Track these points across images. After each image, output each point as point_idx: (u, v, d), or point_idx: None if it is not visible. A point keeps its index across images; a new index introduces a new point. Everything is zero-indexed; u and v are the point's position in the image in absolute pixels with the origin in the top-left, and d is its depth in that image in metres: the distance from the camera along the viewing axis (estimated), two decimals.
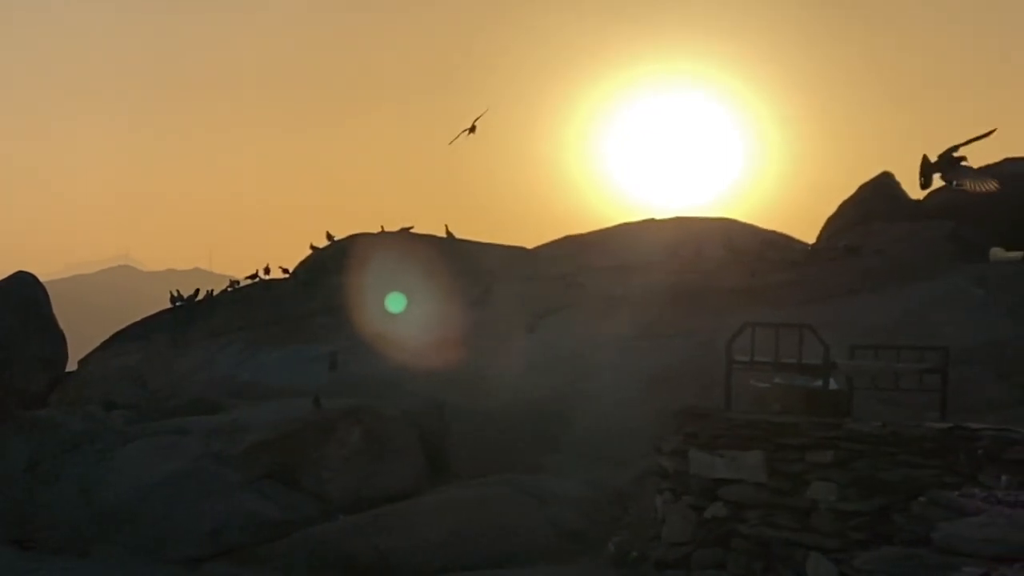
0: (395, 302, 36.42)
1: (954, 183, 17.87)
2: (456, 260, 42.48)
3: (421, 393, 29.93)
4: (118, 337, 43.46)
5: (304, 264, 46.23)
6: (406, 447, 27.42)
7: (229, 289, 45.09)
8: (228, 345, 38.11)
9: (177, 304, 44.13)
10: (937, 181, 18.17)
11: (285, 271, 45.64)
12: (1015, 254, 31.77)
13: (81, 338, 46.33)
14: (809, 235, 43.02)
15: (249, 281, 45.10)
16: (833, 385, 19.14)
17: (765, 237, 42.86)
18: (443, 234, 46.03)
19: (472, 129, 30.37)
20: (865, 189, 41.28)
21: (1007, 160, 38.12)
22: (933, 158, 17.75)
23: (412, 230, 46.21)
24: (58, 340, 41.17)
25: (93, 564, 23.61)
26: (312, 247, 46.75)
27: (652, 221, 47.47)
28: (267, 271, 45.22)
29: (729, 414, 19.05)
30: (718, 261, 36.85)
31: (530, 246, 48.02)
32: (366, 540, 22.94)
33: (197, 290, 45.17)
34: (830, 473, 17.23)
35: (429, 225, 58.91)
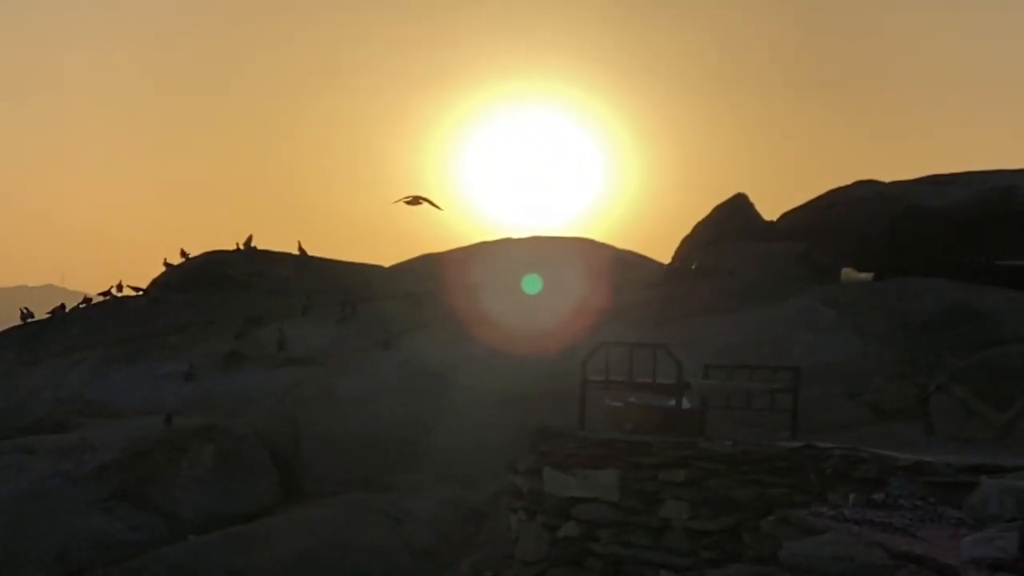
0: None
1: None
2: (311, 278, 42.35)
3: (275, 411, 29.69)
4: None
5: (158, 281, 45.67)
6: (259, 466, 27.17)
7: (82, 306, 44.42)
8: (79, 363, 37.48)
9: (28, 321, 43.37)
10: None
11: (136, 290, 45.05)
12: (865, 275, 32.30)
13: None
14: (664, 255, 43.39)
15: (101, 298, 44.48)
16: (686, 404, 19.28)
17: (621, 257, 43.15)
18: (290, 250, 45.81)
19: (415, 201, 30.78)
20: (720, 210, 41.71)
21: (857, 183, 38.83)
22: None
23: (254, 246, 45.92)
24: None
25: None
26: (166, 264, 46.21)
27: (509, 240, 47.62)
28: (120, 288, 44.62)
29: (583, 433, 19.11)
30: (575, 280, 36.96)
31: (387, 264, 47.97)
32: (218, 560, 22.68)
33: (62, 305, 44.53)
34: (683, 492, 17.33)
35: (285, 242, 58.44)
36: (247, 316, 37.65)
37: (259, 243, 46.54)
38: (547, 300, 34.15)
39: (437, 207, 32.03)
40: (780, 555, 11.44)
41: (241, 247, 45.97)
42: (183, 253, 46.11)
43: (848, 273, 32.77)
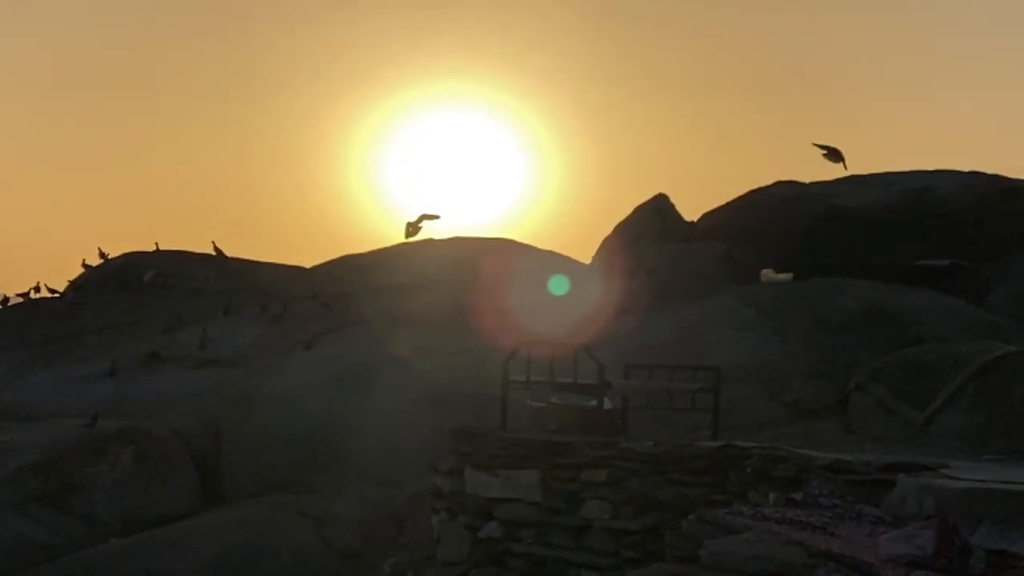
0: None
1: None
2: (231, 279, 42.18)
3: (196, 412, 29.51)
4: None
5: (76, 282, 45.29)
6: (179, 468, 27.03)
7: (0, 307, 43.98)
8: None
9: None
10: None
11: (53, 292, 44.65)
12: (785, 275, 32.45)
13: None
14: (586, 256, 43.42)
15: (20, 299, 44.06)
16: (608, 404, 19.32)
17: (543, 257, 43.22)
18: (211, 251, 45.53)
19: (416, 229, 30.97)
20: (641, 210, 41.75)
21: (777, 183, 38.98)
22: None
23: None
24: None
25: None
26: (84, 264, 45.82)
27: (431, 241, 47.54)
28: (37, 289, 44.22)
29: (505, 433, 19.11)
30: (496, 280, 36.98)
31: (308, 265, 47.81)
32: (137, 563, 22.55)
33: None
34: (604, 492, 17.37)
35: (202, 243, 57.99)
36: (173, 315, 37.44)
37: (176, 244, 46.38)
38: (470, 301, 34.13)
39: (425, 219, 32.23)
40: (701, 554, 11.51)
41: (159, 247, 45.76)
42: (102, 254, 45.74)
43: (767, 274, 32.89)
